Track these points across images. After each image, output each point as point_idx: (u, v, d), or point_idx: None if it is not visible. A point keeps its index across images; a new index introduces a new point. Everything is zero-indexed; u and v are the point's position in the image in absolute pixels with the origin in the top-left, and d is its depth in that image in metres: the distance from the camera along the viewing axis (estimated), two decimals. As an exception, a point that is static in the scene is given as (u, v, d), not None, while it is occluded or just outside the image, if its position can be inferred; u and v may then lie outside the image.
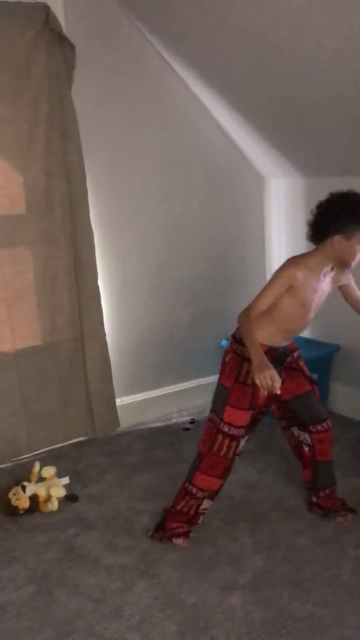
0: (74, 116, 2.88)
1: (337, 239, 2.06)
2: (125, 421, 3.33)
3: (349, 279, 2.25)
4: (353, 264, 2.12)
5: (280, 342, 2.22)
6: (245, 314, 2.13)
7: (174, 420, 3.41)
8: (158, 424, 3.40)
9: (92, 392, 3.16)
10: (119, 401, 3.31)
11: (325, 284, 2.17)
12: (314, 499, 2.43)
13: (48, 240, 2.94)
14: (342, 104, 2.64)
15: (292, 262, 2.13)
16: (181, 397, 3.49)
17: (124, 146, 3.17)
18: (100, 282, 3.10)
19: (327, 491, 2.40)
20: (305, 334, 3.53)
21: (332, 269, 2.16)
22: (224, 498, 2.58)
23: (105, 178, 3.12)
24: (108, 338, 3.19)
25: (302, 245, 3.41)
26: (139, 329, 3.40)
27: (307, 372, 2.34)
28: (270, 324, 2.17)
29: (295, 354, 2.32)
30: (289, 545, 2.27)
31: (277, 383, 1.98)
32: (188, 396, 3.50)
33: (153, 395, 3.48)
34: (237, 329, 2.21)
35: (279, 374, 2.14)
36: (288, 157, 3.30)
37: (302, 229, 3.41)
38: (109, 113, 3.10)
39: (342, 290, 2.28)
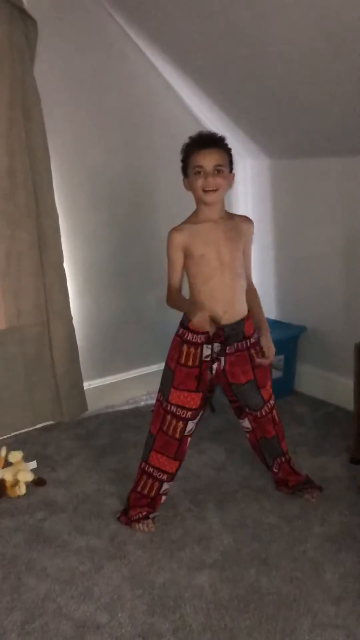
0: (36, 95, 2.82)
1: (185, 182, 2.15)
2: (94, 405, 3.31)
3: (248, 243, 2.21)
4: (204, 197, 2.06)
5: (219, 316, 2.13)
6: (166, 297, 2.23)
7: (142, 403, 3.41)
8: (126, 407, 3.40)
9: (59, 376, 3.13)
10: (86, 385, 3.29)
11: (221, 232, 2.11)
12: (274, 477, 2.47)
13: (11, 222, 2.88)
14: (305, 85, 2.64)
15: (173, 228, 2.17)
16: (149, 380, 3.48)
17: (87, 125, 3.12)
18: (65, 265, 3.06)
19: (277, 463, 2.41)
20: (272, 315, 3.56)
21: (230, 217, 2.17)
22: (192, 478, 2.60)
23: (69, 158, 3.07)
24: (75, 321, 3.16)
25: (267, 225, 3.45)
26: (107, 312, 3.37)
27: (257, 362, 2.24)
28: (195, 297, 2.16)
29: (250, 341, 2.23)
30: (256, 523, 2.30)
31: (206, 324, 2.06)
32: (157, 379, 3.46)
33: (121, 379, 3.47)
34: None
35: (228, 357, 2.18)
36: (253, 138, 3.29)
37: (268, 210, 3.44)
38: (71, 91, 3.04)
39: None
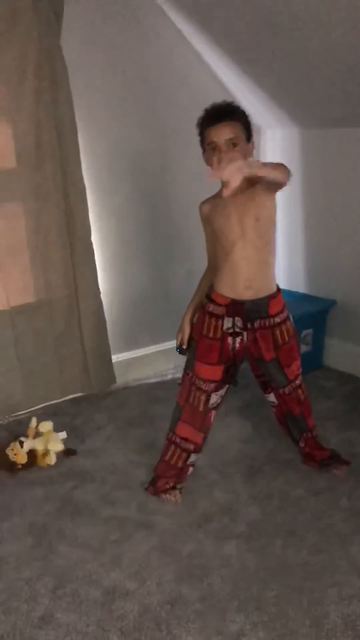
0: (63, 66, 2.79)
1: (204, 156, 2.12)
2: (122, 377, 3.34)
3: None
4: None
5: (240, 292, 2.12)
6: None
7: (169, 377, 3.43)
8: (154, 380, 3.42)
9: (87, 349, 3.16)
10: (114, 357, 3.32)
11: (240, 205, 2.05)
12: (300, 451, 2.46)
13: (39, 194, 2.88)
14: (341, 54, 2.56)
15: (203, 200, 2.19)
16: (176, 354, 3.47)
17: (116, 97, 3.09)
18: (93, 239, 3.06)
19: (304, 438, 2.41)
20: (301, 288, 3.52)
21: (250, 184, 2.05)
22: (219, 451, 2.62)
23: (95, 130, 3.05)
24: (103, 295, 3.17)
25: (297, 197, 3.39)
26: (135, 285, 3.38)
27: (280, 342, 2.19)
28: (218, 269, 2.16)
29: (274, 319, 2.17)
30: (283, 496, 2.31)
31: (177, 343, 2.28)
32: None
33: (149, 352, 3.49)
34: None
35: (250, 332, 2.16)
36: (284, 107, 3.22)
37: (297, 181, 3.38)
38: (99, 62, 3.00)
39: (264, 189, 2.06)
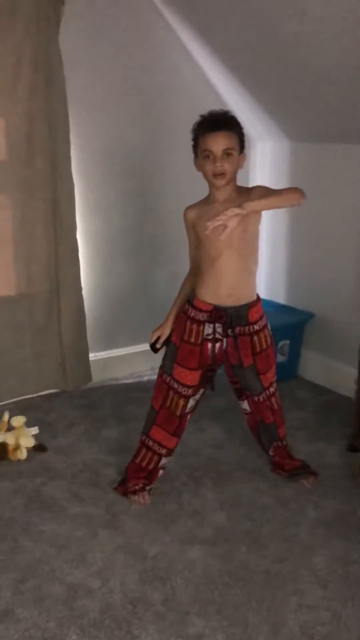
0: (59, 61, 2.80)
1: (195, 163, 2.13)
2: (98, 376, 3.34)
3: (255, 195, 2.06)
4: (215, 180, 2.04)
5: (223, 298, 2.14)
6: None
7: (146, 378, 3.44)
8: (130, 381, 3.43)
9: (65, 346, 3.16)
10: (92, 356, 3.32)
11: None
12: (271, 460, 2.49)
13: (28, 188, 2.88)
14: (336, 71, 2.60)
15: (187, 206, 2.20)
16: (154, 356, 3.48)
17: (110, 96, 3.10)
18: (79, 236, 3.07)
19: (274, 447, 2.44)
20: (281, 299, 3.56)
21: (242, 194, 2.08)
22: (190, 455, 2.63)
23: (87, 127, 3.06)
24: (85, 292, 3.18)
25: (283, 210, 3.42)
26: (117, 285, 3.38)
27: (258, 349, 2.22)
28: (202, 275, 2.18)
29: (254, 327, 2.20)
30: (251, 503, 2.33)
31: (152, 339, 2.28)
32: (161, 355, 3.51)
33: (127, 352, 3.49)
34: None
35: (230, 339, 2.18)
36: (276, 119, 3.26)
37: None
38: (95, 60, 3.01)
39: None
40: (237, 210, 1.92)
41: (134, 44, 3.09)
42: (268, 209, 2.10)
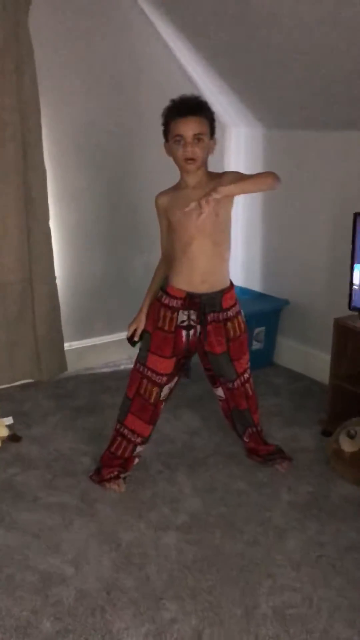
0: (29, 47, 2.75)
1: (165, 147, 2.12)
2: (73, 366, 3.33)
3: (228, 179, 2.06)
4: (185, 165, 2.04)
5: (196, 285, 2.14)
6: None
7: (122, 367, 3.43)
8: (106, 370, 3.42)
9: (39, 335, 3.14)
10: (67, 345, 3.30)
11: (199, 199, 1.95)
12: (245, 445, 2.50)
13: (-1, 176, 2.84)
14: (309, 58, 2.60)
15: (158, 193, 2.18)
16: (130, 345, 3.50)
17: (82, 82, 3.07)
18: (52, 223, 3.04)
19: (248, 433, 2.45)
20: (257, 287, 3.57)
21: (213, 179, 2.07)
22: (166, 442, 2.64)
23: (59, 114, 3.02)
24: (59, 282, 3.15)
25: (257, 195, 3.42)
26: (91, 274, 3.36)
27: (232, 335, 2.23)
28: (175, 262, 2.17)
29: (227, 313, 2.21)
30: (226, 488, 2.34)
31: (129, 333, 2.25)
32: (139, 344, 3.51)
33: (102, 342, 3.48)
34: None
35: (204, 326, 2.18)
36: (250, 107, 3.25)
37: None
38: (65, 46, 2.97)
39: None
40: (214, 195, 1.91)
41: (105, 29, 3.06)
42: (242, 193, 2.10)
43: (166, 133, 2.08)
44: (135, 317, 2.29)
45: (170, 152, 2.09)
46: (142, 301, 2.30)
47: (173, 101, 2.07)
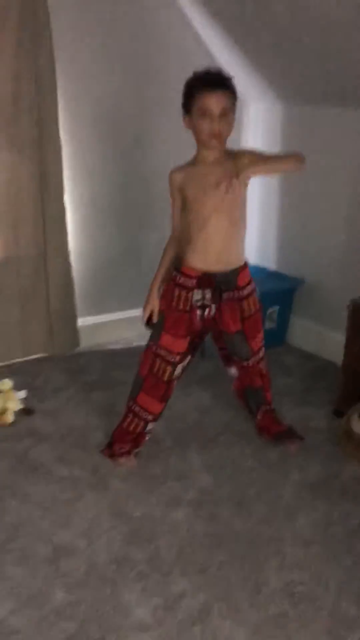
0: (47, 18, 2.71)
1: (185, 120, 2.05)
2: (86, 341, 3.33)
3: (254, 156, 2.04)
4: (209, 142, 2.00)
5: (211, 264, 2.12)
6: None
7: (134, 344, 3.42)
8: (118, 346, 3.42)
9: (53, 310, 3.14)
10: (80, 321, 3.31)
11: (219, 175, 1.96)
12: (257, 424, 2.51)
13: (14, 149, 2.82)
14: (329, 31, 2.54)
15: (172, 169, 2.12)
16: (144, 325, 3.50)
17: (99, 56, 3.02)
18: (67, 198, 3.02)
19: (262, 411, 2.45)
20: (272, 265, 3.54)
21: (229, 157, 2.04)
22: (177, 419, 2.65)
23: (75, 87, 2.98)
24: (73, 257, 3.14)
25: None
26: (106, 249, 3.35)
27: (247, 314, 2.22)
28: (189, 241, 2.13)
29: (242, 292, 2.20)
30: (236, 466, 2.35)
31: (145, 317, 2.21)
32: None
33: (115, 318, 3.47)
34: None
35: (219, 305, 2.16)
36: (269, 81, 3.19)
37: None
38: (84, 17, 2.92)
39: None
40: (242, 178, 1.92)
41: (124, 2, 3.00)
42: (266, 175, 2.07)
43: (188, 106, 2.01)
44: (147, 300, 2.24)
45: (191, 125, 2.03)
46: (152, 281, 2.26)
47: (198, 73, 2.00)
